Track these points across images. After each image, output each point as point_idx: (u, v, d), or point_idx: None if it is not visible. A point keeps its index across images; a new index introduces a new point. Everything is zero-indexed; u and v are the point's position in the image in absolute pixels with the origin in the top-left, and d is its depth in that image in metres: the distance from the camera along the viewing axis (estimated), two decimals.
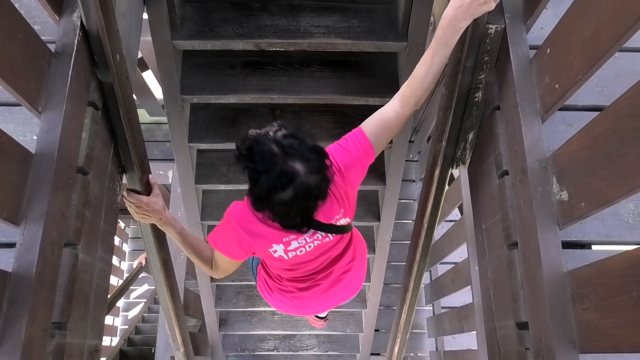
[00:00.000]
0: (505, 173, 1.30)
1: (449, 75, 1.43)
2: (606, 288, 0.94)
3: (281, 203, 1.19)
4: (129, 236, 7.52)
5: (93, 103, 1.34)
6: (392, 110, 1.36)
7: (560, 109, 1.27)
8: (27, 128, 1.29)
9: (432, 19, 2.45)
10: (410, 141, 4.60)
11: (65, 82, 1.20)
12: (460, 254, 3.53)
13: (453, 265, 3.72)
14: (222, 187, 2.43)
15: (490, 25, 1.27)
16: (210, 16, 1.92)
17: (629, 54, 1.35)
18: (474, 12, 1.18)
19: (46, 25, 1.33)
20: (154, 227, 1.76)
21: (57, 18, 1.25)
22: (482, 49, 1.30)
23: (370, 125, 1.38)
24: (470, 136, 1.50)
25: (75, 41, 1.24)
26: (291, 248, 1.45)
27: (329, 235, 1.47)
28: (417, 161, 4.47)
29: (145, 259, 5.14)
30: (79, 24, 1.25)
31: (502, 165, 1.31)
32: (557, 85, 1.11)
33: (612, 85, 1.31)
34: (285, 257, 1.48)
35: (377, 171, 2.43)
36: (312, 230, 1.43)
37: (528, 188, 1.16)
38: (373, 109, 1.45)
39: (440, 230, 3.98)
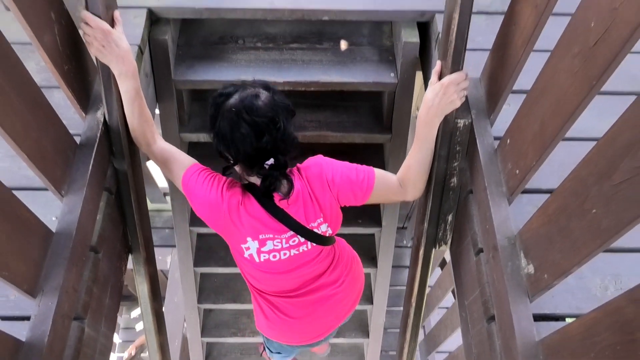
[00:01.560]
0: (481, 250, 1.43)
1: None
2: (570, 352, 1.04)
3: (230, 109, 1.26)
4: (121, 326, 7.40)
5: (108, 188, 1.49)
6: (396, 187, 1.46)
7: (529, 192, 1.42)
8: (47, 210, 1.43)
9: (415, 112, 2.69)
10: (403, 227, 4.74)
11: (87, 170, 1.36)
12: (457, 340, 3.54)
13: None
14: (220, 270, 2.53)
15: (459, 120, 1.46)
16: None
17: (584, 142, 1.52)
18: (443, 111, 1.37)
19: (72, 121, 1.52)
20: (155, 311, 1.84)
21: (84, 115, 1.43)
22: (453, 140, 1.48)
23: (381, 176, 1.44)
24: (450, 218, 1.64)
25: (98, 134, 1.41)
26: (265, 249, 1.42)
27: (308, 243, 1.44)
28: (410, 247, 4.58)
29: (136, 348, 5.06)
30: (102, 119, 1.44)
31: (478, 244, 1.44)
32: (517, 171, 1.28)
33: (569, 170, 1.47)
34: (256, 259, 1.44)
35: (369, 255, 2.55)
36: (290, 233, 1.40)
37: (499, 263, 1.29)
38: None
39: (435, 317, 4.00)
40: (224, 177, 1.42)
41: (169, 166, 1.45)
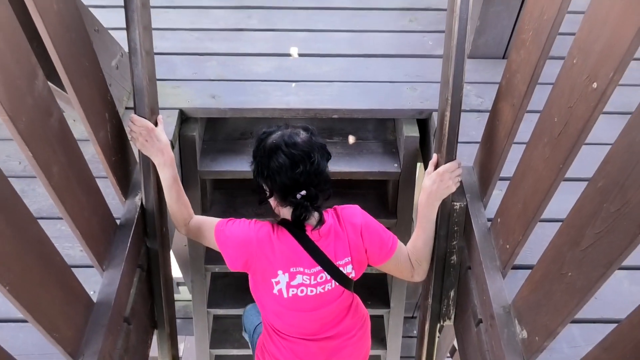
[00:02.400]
0: (480, 321, 1.55)
1: None
2: None
3: (270, 144, 1.39)
4: None
5: (141, 265, 1.66)
6: (410, 265, 1.58)
7: (524, 268, 1.57)
8: (86, 285, 1.59)
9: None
10: (412, 317, 4.75)
11: (125, 248, 1.54)
12: None
13: None
14: (235, 352, 2.60)
15: (455, 203, 1.64)
16: (234, 200, 2.34)
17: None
18: (441, 195, 1.56)
19: (112, 205, 1.72)
20: None
21: (124, 200, 1.64)
22: (451, 221, 1.66)
23: (402, 246, 1.56)
24: (452, 293, 1.77)
25: (135, 217, 1.61)
26: (294, 283, 1.46)
27: (332, 282, 1.48)
28: None
29: None
30: (139, 204, 1.64)
31: (477, 315, 1.57)
32: (507, 246, 1.44)
33: None
34: (285, 294, 1.47)
35: (378, 336, 2.62)
36: (318, 268, 1.45)
37: (497, 331, 1.41)
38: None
39: None
40: (253, 219, 1.52)
41: (203, 234, 1.56)
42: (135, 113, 1.52)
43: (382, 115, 2.17)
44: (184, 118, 2.11)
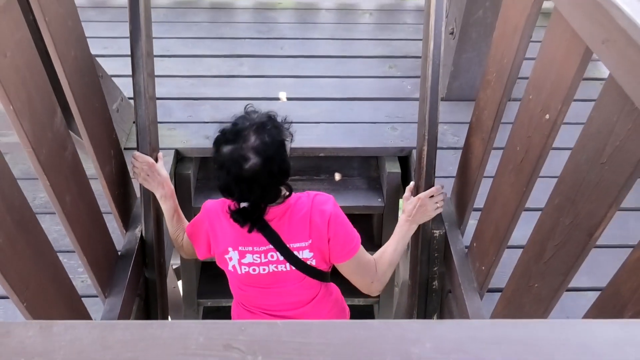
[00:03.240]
0: None
1: (411, 269, 1.88)
2: None
3: (219, 158, 1.30)
4: None
5: (140, 294, 1.74)
6: (372, 271, 1.48)
7: (500, 291, 1.68)
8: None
9: None
10: None
11: (126, 277, 1.63)
12: None
13: None
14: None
15: (435, 231, 1.77)
16: None
17: None
18: (419, 220, 1.64)
19: (113, 236, 1.82)
20: None
21: (124, 231, 1.74)
22: (431, 247, 1.78)
23: (362, 253, 1.46)
24: (434, 317, 1.87)
25: (135, 248, 1.70)
26: (245, 261, 1.41)
27: (287, 263, 1.41)
28: None
29: None
30: (139, 235, 1.74)
31: None
32: (483, 267, 1.56)
33: None
34: (238, 271, 1.43)
35: None
36: (269, 246, 1.39)
37: None
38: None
39: None
40: (209, 205, 1.48)
41: (189, 245, 1.56)
42: (138, 150, 1.65)
43: (365, 153, 2.32)
44: (180, 157, 2.24)
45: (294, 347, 0.35)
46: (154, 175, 1.60)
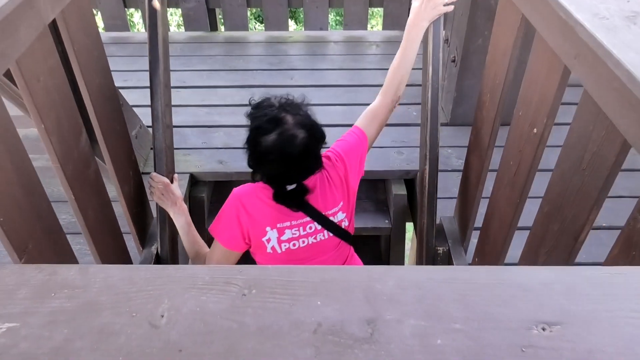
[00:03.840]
0: None
1: None
2: None
3: (266, 149, 1.29)
4: None
5: None
6: (377, 102, 1.58)
7: None
8: None
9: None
10: None
11: None
12: None
13: None
14: None
15: (438, 248, 1.83)
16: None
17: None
18: (429, 15, 1.53)
19: (131, 253, 1.91)
20: None
21: (141, 249, 1.83)
22: (435, 264, 1.84)
23: (361, 119, 1.58)
24: None
25: (152, 264, 1.79)
26: (284, 238, 1.42)
27: (325, 231, 1.44)
28: None
29: None
30: (154, 253, 1.82)
31: None
32: None
33: None
34: (278, 250, 1.44)
35: None
36: (307, 219, 1.42)
37: None
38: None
39: None
40: (235, 197, 1.47)
41: (216, 257, 1.52)
42: (155, 171, 1.75)
43: (372, 177, 2.40)
44: (194, 181, 2.34)
45: (280, 284, 0.42)
46: (168, 195, 1.67)
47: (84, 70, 1.35)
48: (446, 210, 2.14)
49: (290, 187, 1.38)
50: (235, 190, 1.47)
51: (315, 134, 1.35)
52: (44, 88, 1.15)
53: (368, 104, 2.78)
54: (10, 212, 1.02)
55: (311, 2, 3.33)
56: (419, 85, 2.94)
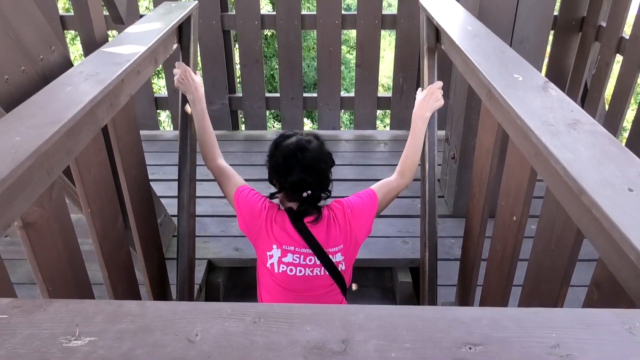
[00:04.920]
0: None
1: None
2: None
3: (285, 152, 1.53)
4: None
5: None
6: (393, 180, 1.75)
7: None
8: None
9: None
10: None
11: None
12: None
13: None
14: None
15: None
16: None
17: None
18: (432, 107, 1.81)
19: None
20: None
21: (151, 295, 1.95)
22: None
23: (378, 187, 1.72)
24: None
25: None
26: (285, 260, 1.57)
27: (322, 268, 1.57)
28: None
29: None
30: None
31: None
32: None
33: None
34: (276, 269, 1.58)
35: None
36: (309, 250, 1.56)
37: None
38: None
39: None
40: (267, 199, 1.66)
41: (225, 181, 1.73)
42: (177, 259, 1.93)
43: (379, 264, 2.54)
44: (212, 267, 2.51)
45: (282, 315, 0.58)
46: (188, 80, 1.82)
47: (124, 164, 1.58)
48: (449, 296, 2.25)
49: (307, 193, 1.54)
50: (264, 199, 1.65)
51: (326, 149, 1.58)
52: (93, 178, 1.36)
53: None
54: (57, 283, 1.19)
55: (324, 105, 3.66)
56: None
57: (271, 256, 1.58)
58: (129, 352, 0.54)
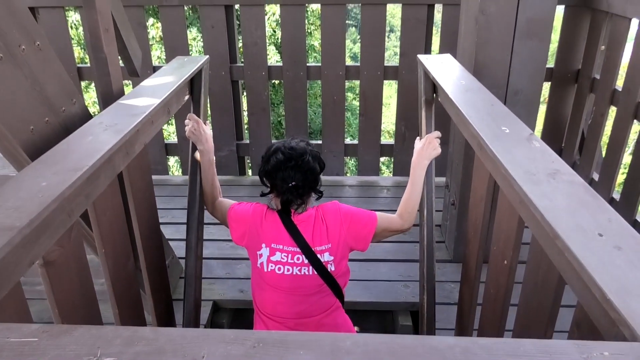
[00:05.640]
0: None
1: None
2: None
3: (274, 149, 1.65)
4: None
5: None
6: (396, 219, 1.80)
7: None
8: None
9: None
10: None
11: None
12: None
13: None
14: None
15: None
16: None
17: None
18: (430, 155, 1.89)
19: None
20: None
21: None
22: None
23: (381, 218, 1.75)
24: None
25: None
26: (274, 259, 1.64)
27: (310, 267, 1.63)
28: None
29: None
30: None
31: None
32: None
33: None
34: (265, 268, 1.65)
35: None
36: (296, 249, 1.62)
37: None
38: None
39: None
40: (257, 203, 1.76)
41: (222, 211, 1.84)
42: (184, 301, 1.99)
43: (380, 307, 2.59)
44: (217, 308, 2.56)
45: (278, 340, 0.65)
46: (199, 131, 1.92)
47: (137, 208, 1.68)
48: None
49: (292, 184, 1.61)
50: (254, 205, 1.75)
51: (311, 149, 1.68)
52: (108, 221, 1.46)
53: (377, 242, 3.07)
54: (72, 319, 1.27)
55: (329, 152, 3.79)
56: None
57: (260, 255, 1.66)
58: None
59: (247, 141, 3.80)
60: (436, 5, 3.36)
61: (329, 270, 1.66)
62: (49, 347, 0.65)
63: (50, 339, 0.67)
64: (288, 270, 1.64)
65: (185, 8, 3.42)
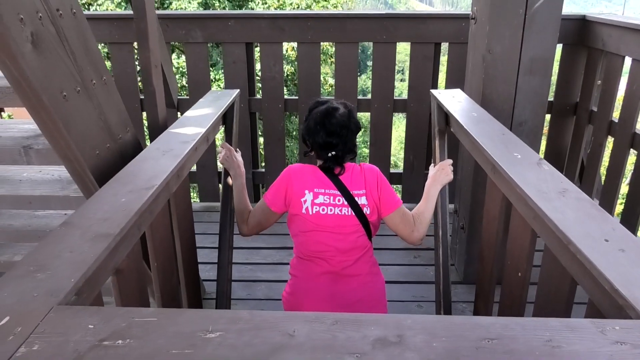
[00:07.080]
0: None
1: None
2: None
3: (315, 118, 1.78)
4: None
5: None
6: (412, 220, 1.87)
7: None
8: None
9: None
10: None
11: None
12: None
13: None
14: None
15: None
16: None
17: None
18: (442, 181, 2.02)
19: None
20: None
21: None
22: None
23: (405, 208, 1.87)
24: None
25: None
26: (317, 201, 1.78)
27: (349, 208, 1.78)
28: None
29: None
30: None
31: None
32: None
33: None
34: (310, 211, 1.78)
35: None
36: (337, 192, 1.78)
37: None
38: None
39: None
40: (285, 170, 1.89)
41: (259, 215, 1.91)
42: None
43: None
44: None
45: (353, 320, 0.82)
46: (232, 158, 2.11)
47: (179, 227, 1.84)
48: None
49: (331, 154, 1.79)
50: (289, 165, 1.90)
51: (353, 116, 1.83)
52: (160, 237, 1.62)
53: (391, 264, 3.23)
54: None
55: None
56: (433, 249, 3.41)
57: (305, 201, 1.80)
58: (250, 341, 0.77)
59: (263, 170, 3.97)
60: (442, 44, 3.59)
61: (364, 212, 1.81)
62: (168, 325, 0.81)
63: (168, 319, 0.83)
64: (331, 210, 1.79)
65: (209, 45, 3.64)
